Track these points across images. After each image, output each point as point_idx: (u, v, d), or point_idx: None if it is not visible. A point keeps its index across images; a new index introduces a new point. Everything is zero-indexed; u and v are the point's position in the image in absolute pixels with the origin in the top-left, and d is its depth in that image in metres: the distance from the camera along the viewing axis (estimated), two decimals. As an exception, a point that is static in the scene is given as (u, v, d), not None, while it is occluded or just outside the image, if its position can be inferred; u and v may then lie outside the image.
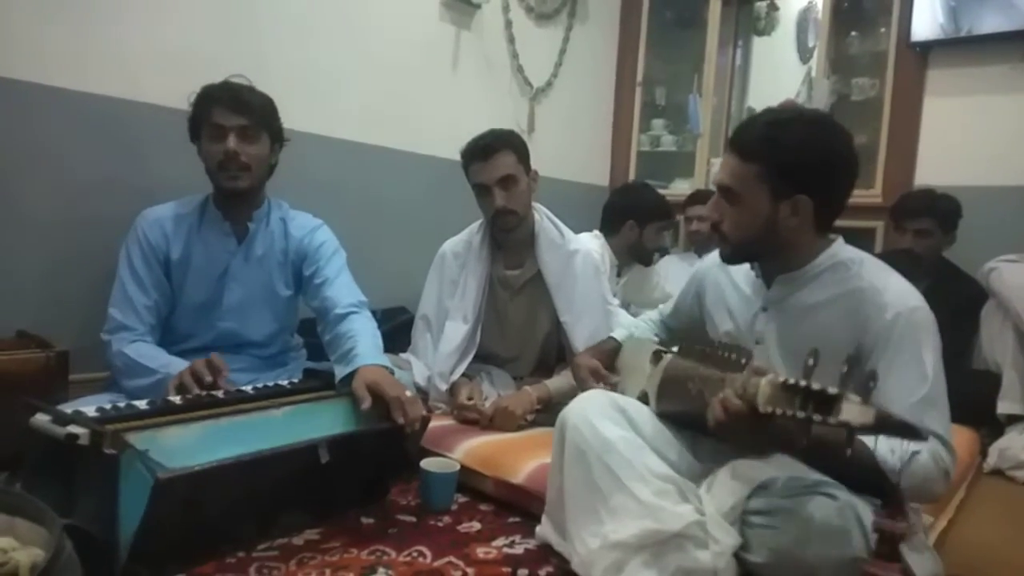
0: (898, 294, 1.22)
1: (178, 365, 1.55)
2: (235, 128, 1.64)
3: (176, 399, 1.43)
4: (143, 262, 1.67)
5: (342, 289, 1.76)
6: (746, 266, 1.40)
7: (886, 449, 1.14)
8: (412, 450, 1.61)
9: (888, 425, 0.88)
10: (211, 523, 1.30)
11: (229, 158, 1.64)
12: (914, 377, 1.17)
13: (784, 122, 1.25)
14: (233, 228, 1.76)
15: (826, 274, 1.28)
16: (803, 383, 0.93)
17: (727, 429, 1.09)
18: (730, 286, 1.44)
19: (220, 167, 1.66)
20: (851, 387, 0.90)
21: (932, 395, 1.17)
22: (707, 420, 1.12)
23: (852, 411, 0.88)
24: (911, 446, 1.13)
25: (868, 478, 1.14)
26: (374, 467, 1.58)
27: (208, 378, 1.50)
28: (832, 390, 0.90)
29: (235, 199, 1.73)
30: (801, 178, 1.22)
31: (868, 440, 1.13)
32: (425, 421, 1.54)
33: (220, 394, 1.48)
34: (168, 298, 1.72)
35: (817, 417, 0.90)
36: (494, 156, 1.94)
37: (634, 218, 2.69)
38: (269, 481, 1.36)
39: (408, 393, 1.51)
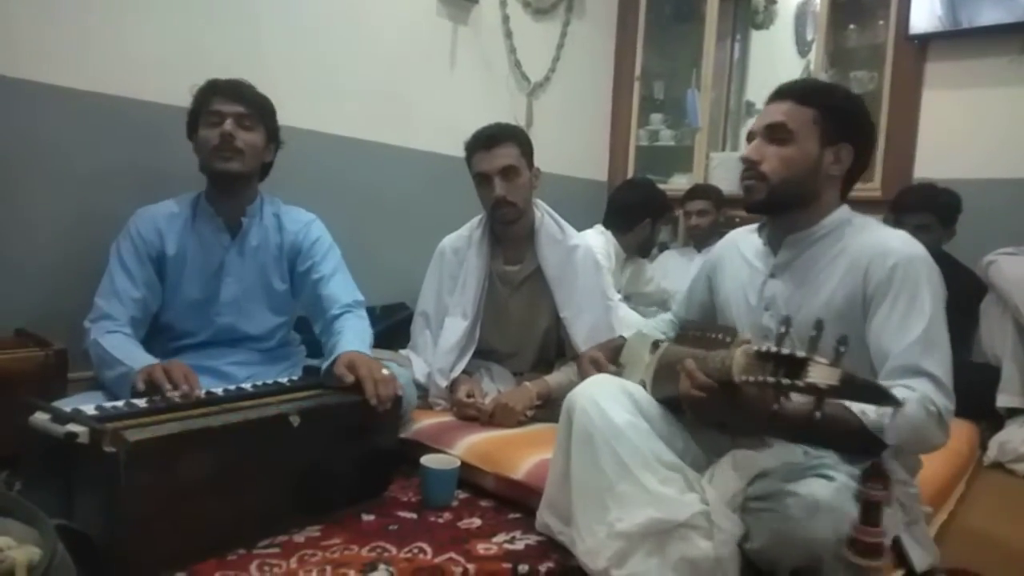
0: (900, 243, 1.27)
1: (143, 360, 1.52)
2: (233, 114, 1.69)
3: (141, 401, 1.40)
4: (134, 257, 1.67)
5: (338, 287, 1.76)
6: (754, 239, 1.45)
7: (869, 407, 1.13)
8: (389, 433, 1.62)
9: (853, 386, 0.89)
10: (202, 509, 1.28)
11: (224, 140, 1.67)
12: (913, 318, 1.19)
13: (830, 82, 1.47)
14: (226, 223, 1.76)
15: (833, 234, 1.33)
16: (774, 349, 0.94)
17: (699, 404, 1.11)
18: (740, 260, 1.47)
19: (215, 150, 1.67)
20: (820, 350, 0.91)
21: (930, 335, 1.18)
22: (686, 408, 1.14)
23: (819, 373, 0.89)
24: (902, 392, 1.11)
25: (857, 442, 1.14)
26: (359, 447, 1.56)
27: (184, 387, 1.44)
28: (800, 354, 0.91)
29: (227, 188, 1.74)
30: (850, 126, 1.32)
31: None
32: (396, 400, 1.56)
33: (220, 391, 1.48)
34: (157, 295, 1.71)
35: (786, 381, 0.91)
36: (497, 146, 1.95)
37: (650, 216, 2.75)
38: (248, 454, 1.34)
39: (384, 372, 1.53)
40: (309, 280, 1.79)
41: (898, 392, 1.04)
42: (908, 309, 1.20)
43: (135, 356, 1.53)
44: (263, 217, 1.81)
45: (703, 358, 1.15)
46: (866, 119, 1.35)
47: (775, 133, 1.32)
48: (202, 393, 1.46)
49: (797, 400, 0.97)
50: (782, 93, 1.35)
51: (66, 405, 1.31)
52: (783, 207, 1.35)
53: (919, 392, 1.13)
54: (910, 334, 1.18)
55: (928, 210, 2.46)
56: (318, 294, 1.76)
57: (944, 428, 1.16)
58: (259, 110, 1.73)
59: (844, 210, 1.36)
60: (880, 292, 1.23)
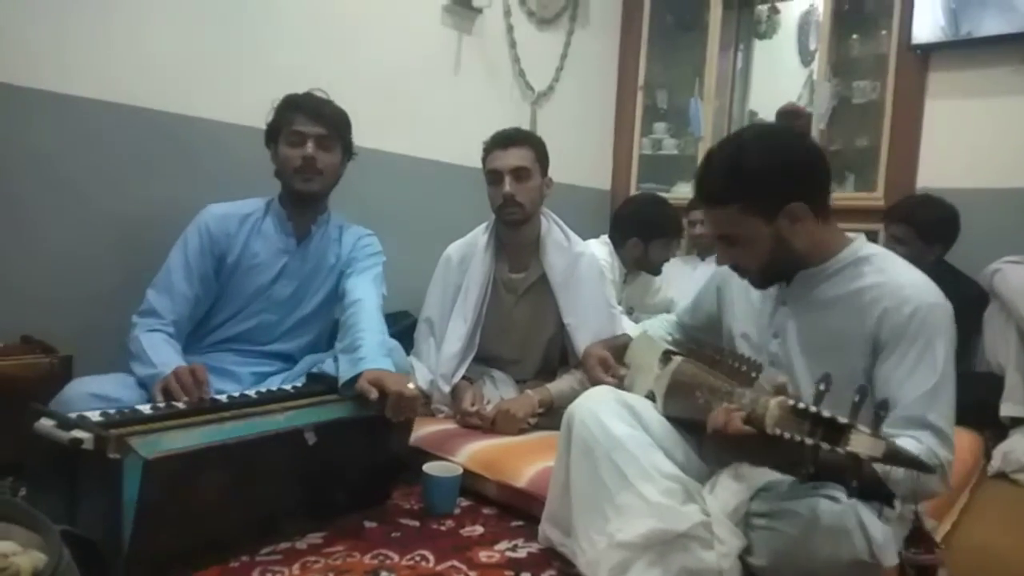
0: (918, 289, 1.21)
1: (174, 364, 1.54)
2: (314, 136, 1.75)
3: (160, 402, 1.44)
4: (198, 251, 1.73)
5: (365, 279, 1.82)
6: None
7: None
8: (400, 444, 1.61)
9: (897, 459, 0.87)
10: (208, 518, 1.29)
11: (307, 163, 1.74)
12: (925, 369, 1.16)
13: (735, 154, 1.25)
14: (295, 229, 1.83)
15: (847, 269, 1.27)
16: (813, 409, 0.92)
17: (728, 443, 1.09)
18: None
19: (296, 171, 1.75)
20: (861, 417, 0.89)
21: (939, 388, 1.16)
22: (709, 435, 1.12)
23: (862, 442, 0.86)
24: (913, 444, 1.10)
25: (866, 488, 1.10)
26: (369, 459, 1.57)
27: (194, 394, 1.46)
28: (842, 420, 0.89)
29: (303, 203, 1.81)
30: (780, 192, 1.22)
31: None
32: (410, 419, 1.57)
33: (224, 398, 1.49)
34: (211, 293, 1.76)
35: (825, 446, 0.89)
36: (513, 146, 2.00)
37: (638, 235, 2.64)
38: (261, 468, 1.36)
39: (410, 386, 1.53)
40: (344, 275, 1.86)
41: (906, 443, 1.04)
42: (919, 360, 1.16)
43: (167, 359, 1.56)
44: (328, 229, 1.88)
45: (728, 393, 1.13)
46: (795, 168, 1.23)
47: (724, 241, 1.30)
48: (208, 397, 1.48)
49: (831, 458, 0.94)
50: (704, 199, 1.31)
51: (90, 384, 1.42)
52: (787, 274, 1.31)
53: (925, 445, 1.12)
54: (920, 387, 1.15)
55: (904, 223, 2.44)
56: (346, 283, 1.82)
57: (945, 480, 1.16)
58: (338, 129, 1.79)
59: (859, 244, 1.29)
60: (894, 338, 1.19)
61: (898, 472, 1.09)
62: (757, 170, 1.21)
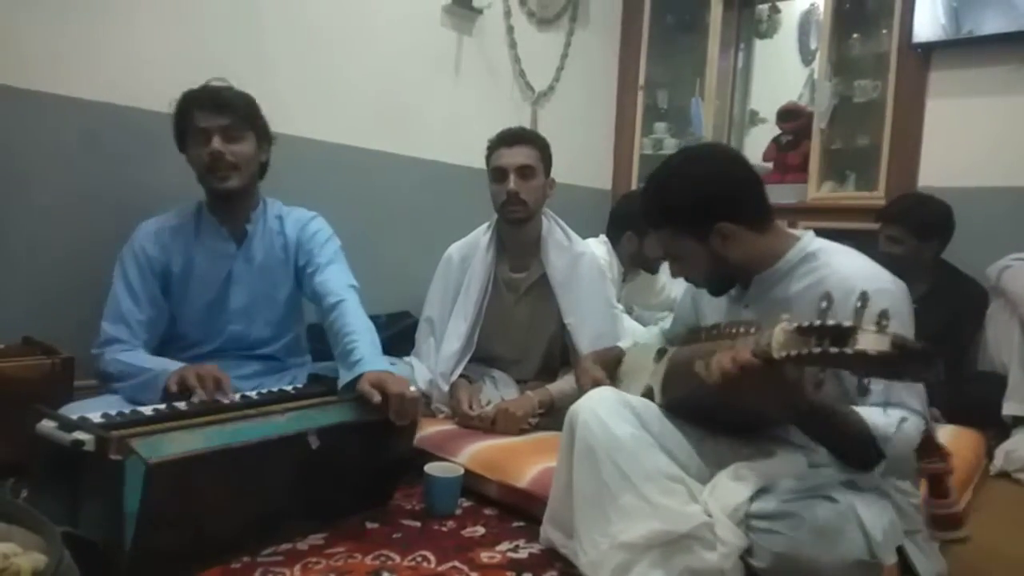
0: (863, 275, 1.20)
1: (171, 364, 1.53)
2: (218, 129, 1.64)
3: (179, 403, 1.43)
4: (139, 275, 1.67)
5: (333, 275, 1.75)
6: None
7: (878, 415, 1.13)
8: (403, 447, 1.61)
9: (906, 351, 0.85)
10: (211, 522, 1.30)
11: (216, 159, 1.63)
12: None
13: (662, 182, 1.36)
14: (231, 232, 1.76)
15: (799, 267, 1.29)
16: (817, 323, 0.92)
17: (734, 384, 1.04)
18: None
19: (208, 169, 1.65)
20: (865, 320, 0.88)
21: None
22: (713, 382, 1.06)
23: (868, 340, 0.86)
24: (899, 413, 1.14)
25: (857, 449, 1.14)
26: (372, 463, 1.58)
27: (211, 387, 1.48)
28: (847, 323, 0.88)
29: (228, 201, 1.72)
30: (705, 214, 1.29)
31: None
32: (414, 422, 1.56)
33: (225, 400, 1.49)
34: (164, 312, 1.71)
35: (833, 349, 0.88)
36: (519, 144, 2.01)
37: (632, 229, 2.61)
38: (264, 472, 1.36)
39: (412, 389, 1.52)
40: (307, 273, 1.79)
41: (895, 413, 1.11)
42: None
43: (160, 362, 1.55)
44: (267, 221, 1.80)
45: (729, 347, 1.11)
46: (717, 192, 1.29)
47: (669, 258, 1.41)
48: (236, 397, 1.49)
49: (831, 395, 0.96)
50: (643, 222, 1.41)
51: (79, 410, 1.34)
52: (731, 281, 1.38)
53: (914, 419, 1.14)
54: None
55: (898, 223, 2.43)
56: (314, 283, 1.76)
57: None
58: (244, 116, 1.67)
59: (807, 241, 1.31)
60: None
61: (890, 429, 1.11)
62: (679, 202, 1.32)
